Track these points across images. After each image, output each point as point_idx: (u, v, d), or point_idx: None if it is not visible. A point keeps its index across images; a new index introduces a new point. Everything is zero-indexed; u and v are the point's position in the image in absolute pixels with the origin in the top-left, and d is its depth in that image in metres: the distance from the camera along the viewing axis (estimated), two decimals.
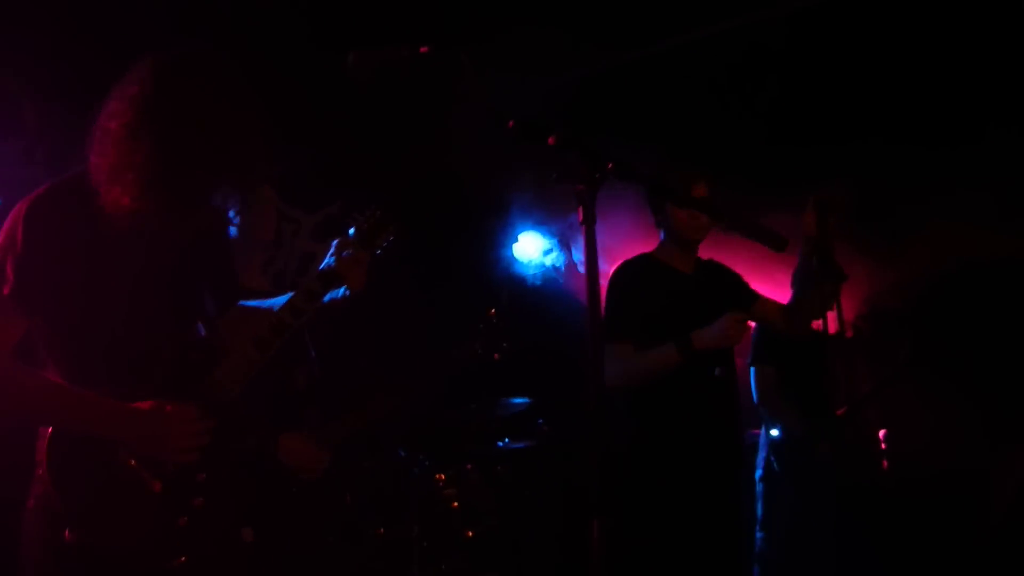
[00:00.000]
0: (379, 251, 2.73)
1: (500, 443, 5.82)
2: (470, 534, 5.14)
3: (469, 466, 5.37)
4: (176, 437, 2.26)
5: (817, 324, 5.58)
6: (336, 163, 6.37)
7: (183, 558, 2.24)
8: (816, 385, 5.34)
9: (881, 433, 5.98)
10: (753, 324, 4.23)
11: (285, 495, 3.36)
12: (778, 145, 6.21)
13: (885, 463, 5.96)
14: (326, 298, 2.63)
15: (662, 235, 4.14)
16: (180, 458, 2.29)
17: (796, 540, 5.17)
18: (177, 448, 2.27)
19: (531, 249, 7.64)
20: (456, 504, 5.13)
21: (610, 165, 1.94)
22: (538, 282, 7.65)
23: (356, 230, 2.72)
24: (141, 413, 2.24)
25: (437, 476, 5.16)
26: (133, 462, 2.23)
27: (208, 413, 2.34)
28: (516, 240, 7.61)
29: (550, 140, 1.95)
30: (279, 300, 2.64)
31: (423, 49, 2.14)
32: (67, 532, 2.12)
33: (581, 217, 1.89)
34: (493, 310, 3.96)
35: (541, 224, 7.59)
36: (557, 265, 7.63)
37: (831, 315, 5.47)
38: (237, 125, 2.29)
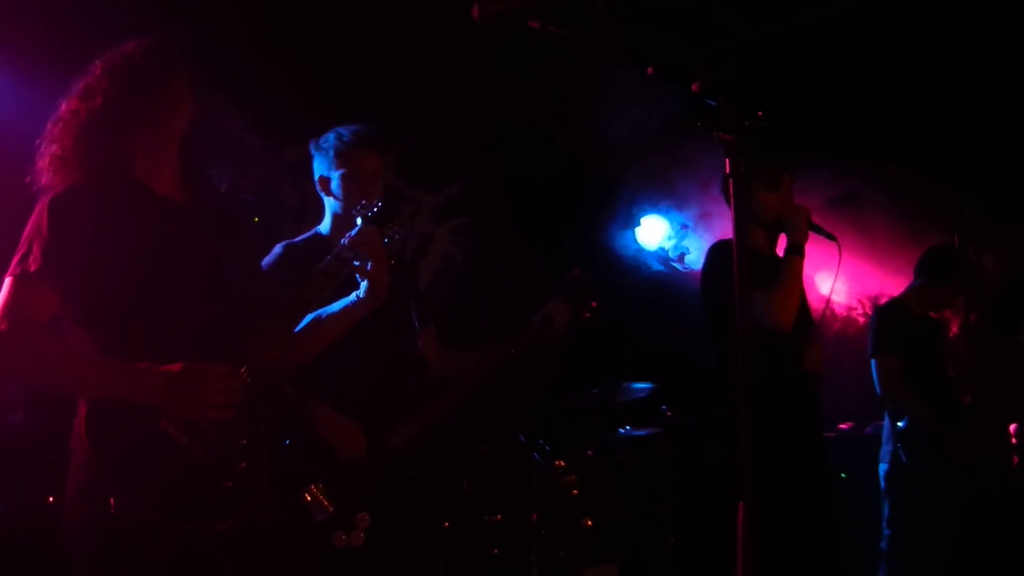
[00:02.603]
0: (387, 240, 2.70)
1: (622, 430, 5.67)
2: (589, 523, 5.00)
3: (590, 452, 5.23)
4: (209, 393, 2.27)
5: (947, 312, 5.36)
6: (457, 144, 6.29)
7: (230, 522, 2.26)
8: (940, 373, 5.15)
9: (1012, 427, 5.66)
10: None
11: (402, 479, 3.26)
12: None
13: (1016, 459, 5.63)
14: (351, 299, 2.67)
15: None
16: (215, 415, 2.29)
17: (926, 537, 4.90)
18: (211, 404, 2.28)
19: (654, 234, 7.42)
20: (576, 492, 5.00)
21: (760, 113, 1.74)
22: (660, 267, 7.45)
23: (363, 220, 2.71)
24: (173, 372, 2.26)
25: (557, 462, 5.04)
26: (172, 429, 2.25)
27: (240, 372, 2.34)
28: (638, 224, 7.40)
29: (694, 86, 1.76)
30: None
31: None
32: (112, 501, 2.15)
33: (728, 169, 1.70)
34: (577, 270, 3.77)
35: (664, 209, 7.38)
36: (671, 258, 7.41)
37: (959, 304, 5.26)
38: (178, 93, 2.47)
